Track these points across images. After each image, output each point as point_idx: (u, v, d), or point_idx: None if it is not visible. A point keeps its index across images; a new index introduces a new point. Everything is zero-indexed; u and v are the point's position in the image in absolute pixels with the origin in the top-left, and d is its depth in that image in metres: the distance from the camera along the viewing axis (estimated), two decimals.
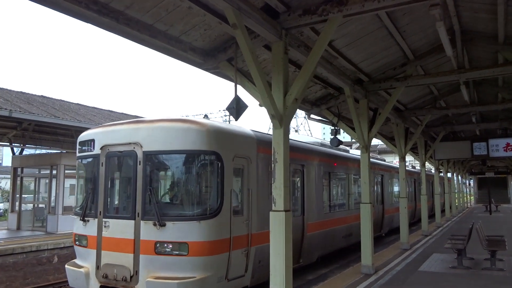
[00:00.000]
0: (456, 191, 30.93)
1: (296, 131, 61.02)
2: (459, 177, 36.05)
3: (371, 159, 18.68)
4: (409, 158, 33.79)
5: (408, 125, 14.93)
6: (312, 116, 11.22)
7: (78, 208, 8.69)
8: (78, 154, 8.96)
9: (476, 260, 11.21)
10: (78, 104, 20.34)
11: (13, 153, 19.12)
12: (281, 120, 6.11)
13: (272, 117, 6.03)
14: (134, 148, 7.77)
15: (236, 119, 6.52)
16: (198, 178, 7.78)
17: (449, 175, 29.93)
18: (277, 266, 6.02)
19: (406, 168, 26.27)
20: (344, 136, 19.62)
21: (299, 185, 10.96)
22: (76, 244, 8.65)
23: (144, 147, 7.68)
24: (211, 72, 7.12)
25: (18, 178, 19.07)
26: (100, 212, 8.07)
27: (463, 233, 12.44)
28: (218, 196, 7.65)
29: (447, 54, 7.97)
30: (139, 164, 7.69)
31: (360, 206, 10.04)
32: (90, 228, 8.19)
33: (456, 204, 31.43)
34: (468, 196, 50.94)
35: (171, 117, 8.01)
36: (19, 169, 18.96)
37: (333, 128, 10.93)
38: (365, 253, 9.84)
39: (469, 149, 18.62)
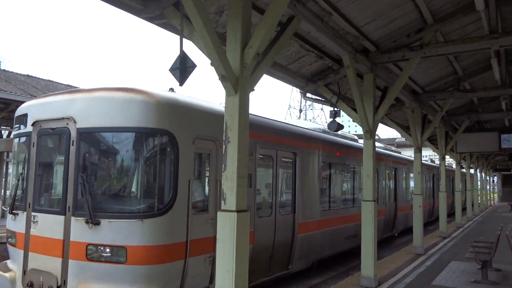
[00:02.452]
0: (479, 188, 28.53)
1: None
2: (483, 173, 33.53)
3: (384, 150, 16.81)
4: (428, 152, 31.42)
5: (426, 111, 12.89)
6: (308, 95, 9.36)
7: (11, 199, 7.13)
8: (13, 133, 7.41)
9: (504, 273, 9.25)
10: (49, 80, 18.65)
11: None
12: (236, 83, 4.33)
13: (223, 78, 4.26)
14: (67, 124, 6.11)
15: (181, 83, 4.77)
16: (143, 165, 6.07)
17: (471, 171, 27.57)
18: None
19: (424, 161, 24.16)
20: (348, 121, 17.49)
21: (289, 177, 9.15)
22: (8, 242, 7.10)
23: (79, 123, 6.01)
24: (155, 23, 5.35)
25: None
26: (29, 204, 6.46)
27: (488, 239, 10.48)
28: (170, 188, 5.94)
29: (477, 8, 6.03)
30: (72, 145, 6.03)
31: (362, 204, 8.19)
32: (19, 223, 6.62)
33: (479, 202, 29.06)
34: (492, 194, 48.09)
35: (113, 85, 6.29)
36: None
37: (331, 109, 9.05)
38: (365, 261, 8.01)
39: (496, 141, 16.48)
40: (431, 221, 22.28)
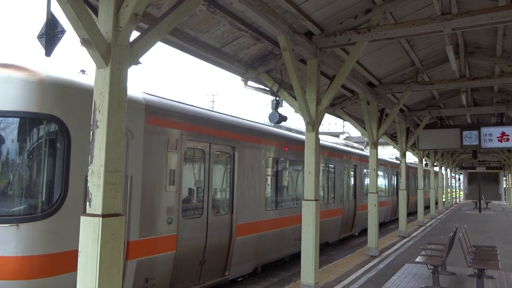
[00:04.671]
0: (443, 186, 28.43)
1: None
2: (448, 171, 33.59)
3: (343, 147, 16.16)
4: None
5: (384, 105, 12.24)
6: (249, 83, 8.45)
7: None
8: None
9: (458, 277, 8.63)
10: None
11: None
12: (107, 51, 3.37)
13: (85, 43, 3.28)
14: None
15: (48, 53, 3.78)
16: (22, 157, 5.02)
17: (436, 168, 27.42)
18: None
19: (389, 159, 23.75)
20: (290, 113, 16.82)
21: (226, 174, 8.24)
22: None
23: None
24: None
25: None
26: None
27: (443, 240, 9.89)
28: (58, 185, 4.93)
29: None
30: None
31: (302, 204, 7.36)
32: None
33: (444, 200, 28.98)
34: (458, 192, 48.68)
35: None
36: None
37: (273, 99, 8.18)
38: (306, 267, 7.18)
39: (458, 138, 16.05)
40: (395, 220, 21.86)
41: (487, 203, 31.84)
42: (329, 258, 11.57)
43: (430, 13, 7.97)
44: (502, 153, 28.36)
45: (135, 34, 3.90)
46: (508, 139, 15.19)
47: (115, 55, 3.42)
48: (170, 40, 6.27)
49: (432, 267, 7.59)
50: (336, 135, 58.99)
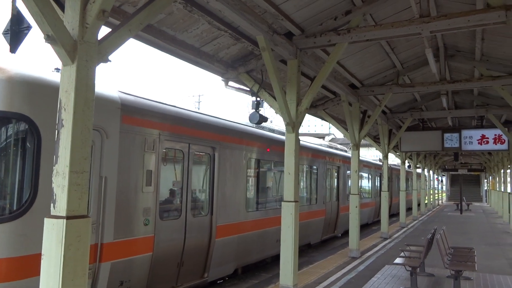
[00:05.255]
0: (425, 187, 28.75)
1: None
2: (431, 173, 33.99)
3: (327, 148, 16.19)
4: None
5: (366, 107, 12.29)
6: (230, 84, 8.38)
7: None
8: None
9: (436, 278, 8.68)
10: None
11: None
12: (73, 48, 3.28)
13: (49, 39, 3.18)
14: None
15: (13, 50, 3.66)
16: None
17: (419, 170, 27.71)
18: None
19: (372, 161, 23.91)
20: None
21: (206, 175, 8.16)
22: None
23: None
24: None
25: None
26: None
27: (423, 242, 9.94)
28: (27, 186, 4.79)
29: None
30: None
31: (282, 205, 7.31)
32: None
33: (426, 202, 29.30)
34: (441, 193, 49.31)
35: None
36: None
37: (253, 99, 8.12)
38: (284, 269, 7.14)
39: (439, 140, 16.22)
40: (377, 221, 22.00)
41: (468, 205, 32.29)
42: (310, 259, 11.57)
43: (409, 15, 8.01)
44: (483, 155, 28.79)
45: (107, 31, 3.81)
46: (487, 142, 15.42)
47: (82, 52, 3.32)
48: (147, 38, 6.17)
49: (410, 269, 7.62)
50: (322, 136, 59.24)
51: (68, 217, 3.18)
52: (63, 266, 3.12)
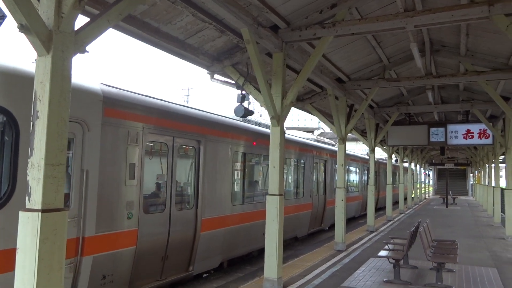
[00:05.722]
0: (412, 181, 29.04)
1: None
2: (418, 167, 34.33)
3: (314, 142, 16.25)
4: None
5: (353, 101, 12.34)
6: (215, 77, 8.33)
7: None
8: None
9: (419, 270, 8.79)
10: None
11: None
12: (49, 38, 3.21)
13: (23, 28, 3.11)
14: None
15: None
16: None
17: (406, 164, 27.97)
18: None
19: (360, 155, 24.05)
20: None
21: (191, 168, 8.12)
22: None
23: None
24: None
25: None
26: None
27: (407, 235, 10.04)
28: (5, 179, 4.72)
29: None
30: None
31: (267, 198, 7.32)
32: None
33: (413, 196, 29.62)
34: (428, 187, 49.90)
35: None
36: None
37: (239, 92, 8.09)
38: (269, 262, 7.16)
39: (425, 135, 16.38)
40: (364, 214, 22.19)
41: (454, 199, 32.72)
42: (296, 252, 11.63)
43: (395, 10, 8.03)
44: (469, 150, 29.15)
45: (86, 20, 3.75)
46: (472, 136, 15.61)
47: (58, 43, 3.26)
48: (130, 30, 6.09)
49: (393, 261, 7.70)
50: (311, 130, 59.46)
51: (43, 210, 3.14)
52: (39, 260, 3.08)
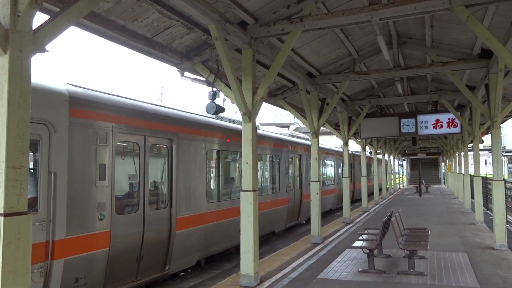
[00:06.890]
0: (386, 172, 29.63)
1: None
2: (391, 158, 35.05)
3: (288, 137, 16.37)
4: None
5: (325, 95, 12.48)
6: (186, 74, 8.28)
7: None
8: None
9: (393, 259, 8.99)
10: None
11: None
12: (5, 38, 3.13)
13: None
14: None
15: None
16: None
17: (380, 156, 28.50)
18: None
19: (335, 148, 24.38)
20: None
21: (164, 167, 8.06)
22: None
23: None
24: None
25: None
26: None
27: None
28: None
29: None
30: None
31: (241, 195, 7.34)
32: None
33: (387, 187, 30.23)
34: (402, 177, 51.00)
35: None
36: None
37: (210, 90, 8.06)
38: (245, 258, 7.20)
39: (397, 126, 16.76)
40: (341, 207, 22.50)
41: (427, 187, 33.57)
42: (273, 247, 11.71)
43: (361, 4, 8.14)
44: (440, 139, 29.95)
45: (45, 18, 3.66)
46: (442, 126, 16.04)
47: (15, 42, 3.18)
48: (94, 28, 5.97)
49: (367, 251, 7.85)
50: (287, 125, 59.68)
51: (6, 214, 3.06)
52: (2, 265, 3.01)
